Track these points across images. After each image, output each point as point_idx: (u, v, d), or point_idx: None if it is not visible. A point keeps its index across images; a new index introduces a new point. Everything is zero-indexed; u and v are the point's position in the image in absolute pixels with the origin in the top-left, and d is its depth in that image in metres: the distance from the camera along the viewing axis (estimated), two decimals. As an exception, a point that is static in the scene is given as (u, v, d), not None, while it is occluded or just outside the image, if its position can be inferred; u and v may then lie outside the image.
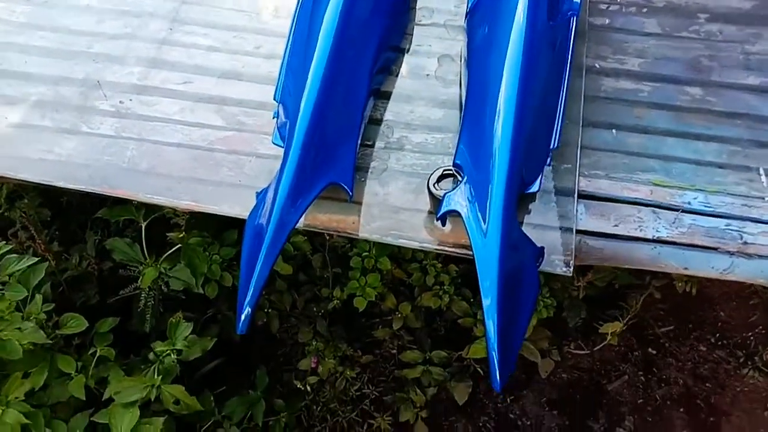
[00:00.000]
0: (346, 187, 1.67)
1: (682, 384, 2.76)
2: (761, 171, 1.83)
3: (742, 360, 2.76)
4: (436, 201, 1.67)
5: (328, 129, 1.67)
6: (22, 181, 1.89)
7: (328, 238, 2.55)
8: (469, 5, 2.00)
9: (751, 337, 2.81)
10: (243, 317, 1.50)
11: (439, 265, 2.65)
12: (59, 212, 2.68)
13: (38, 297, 1.93)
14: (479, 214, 1.54)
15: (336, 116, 1.70)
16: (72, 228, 2.64)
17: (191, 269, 2.13)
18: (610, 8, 2.19)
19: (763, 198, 1.79)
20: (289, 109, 1.73)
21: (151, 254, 2.23)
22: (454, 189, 1.62)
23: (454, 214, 1.59)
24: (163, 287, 2.29)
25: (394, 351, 2.85)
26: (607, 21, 2.16)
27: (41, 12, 2.21)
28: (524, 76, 1.62)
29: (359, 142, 1.79)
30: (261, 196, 1.70)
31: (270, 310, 2.70)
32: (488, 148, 1.58)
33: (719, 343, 2.82)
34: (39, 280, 1.96)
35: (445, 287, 2.66)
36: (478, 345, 2.54)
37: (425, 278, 2.66)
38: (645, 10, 2.19)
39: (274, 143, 1.77)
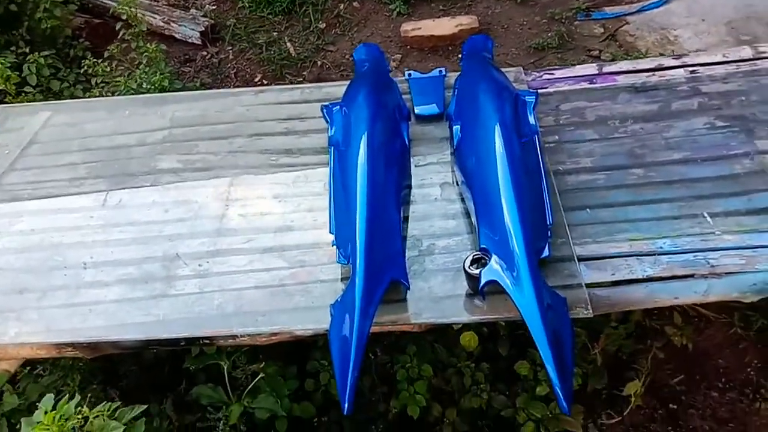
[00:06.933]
0: (404, 281, 2.13)
1: (708, 430, 3.06)
2: (705, 214, 2.39)
3: (751, 396, 3.12)
4: (473, 279, 2.13)
5: (379, 244, 2.15)
6: (133, 341, 2.27)
7: (371, 356, 2.92)
8: (455, 144, 2.62)
9: (752, 373, 3.19)
10: (347, 406, 1.87)
11: (473, 365, 3.02)
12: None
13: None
14: (513, 278, 2.01)
15: (382, 235, 2.20)
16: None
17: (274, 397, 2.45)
18: (556, 129, 2.86)
19: (714, 232, 2.33)
20: (346, 237, 2.23)
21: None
22: (487, 266, 2.09)
23: (491, 284, 2.05)
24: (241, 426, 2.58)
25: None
26: (557, 137, 2.82)
27: (115, 213, 2.72)
28: (515, 181, 2.18)
29: (404, 250, 2.29)
30: (335, 308, 2.12)
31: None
32: (505, 232, 2.09)
33: (727, 386, 3.18)
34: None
35: (481, 386, 3.00)
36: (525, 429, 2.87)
37: (463, 380, 3.01)
38: (581, 124, 2.87)
39: (338, 262, 2.25)
